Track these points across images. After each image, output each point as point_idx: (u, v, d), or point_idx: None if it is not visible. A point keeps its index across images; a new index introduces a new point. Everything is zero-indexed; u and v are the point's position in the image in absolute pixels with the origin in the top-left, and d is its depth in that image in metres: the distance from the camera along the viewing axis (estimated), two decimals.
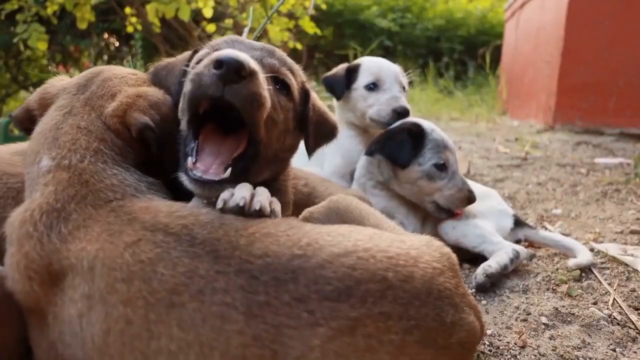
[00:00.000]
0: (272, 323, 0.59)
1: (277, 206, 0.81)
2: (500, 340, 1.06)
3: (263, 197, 0.78)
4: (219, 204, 0.76)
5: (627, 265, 1.45)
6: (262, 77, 0.80)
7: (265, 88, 0.81)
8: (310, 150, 1.05)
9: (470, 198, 1.46)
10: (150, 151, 0.89)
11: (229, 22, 4.86)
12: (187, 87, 0.80)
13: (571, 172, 2.71)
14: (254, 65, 0.78)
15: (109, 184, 0.78)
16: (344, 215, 0.91)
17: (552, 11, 4.13)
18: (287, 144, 0.98)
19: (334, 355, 0.59)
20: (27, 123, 0.95)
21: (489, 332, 1.09)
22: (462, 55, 7.90)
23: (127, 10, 4.60)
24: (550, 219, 1.94)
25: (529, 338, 1.07)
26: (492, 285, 1.31)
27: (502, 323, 1.15)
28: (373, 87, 1.68)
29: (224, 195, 0.78)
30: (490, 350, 1.03)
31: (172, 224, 0.69)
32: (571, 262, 1.41)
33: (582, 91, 3.79)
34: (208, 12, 3.88)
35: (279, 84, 0.91)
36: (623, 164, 2.87)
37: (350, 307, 0.61)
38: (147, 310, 0.61)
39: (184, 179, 0.82)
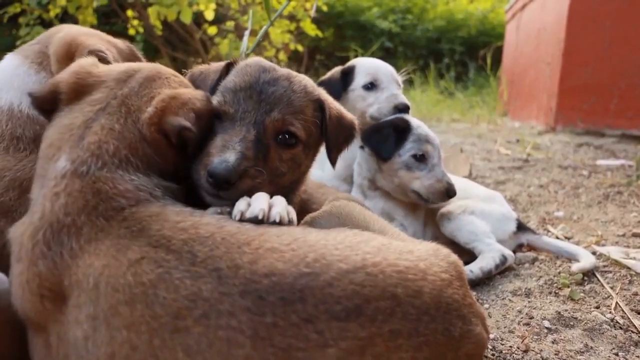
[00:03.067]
0: (280, 346, 0.58)
1: (294, 215, 0.81)
2: (503, 345, 1.07)
3: (281, 207, 0.79)
4: (236, 216, 0.76)
5: (629, 268, 1.45)
6: (252, 171, 0.87)
7: (259, 179, 0.88)
8: (333, 159, 1.09)
9: (449, 190, 1.47)
10: (184, 154, 0.86)
11: (230, 24, 4.87)
12: (193, 175, 0.88)
13: (573, 174, 2.71)
14: (243, 167, 0.85)
15: (122, 189, 0.74)
16: (347, 221, 0.91)
17: (553, 12, 4.13)
18: (302, 169, 1.05)
19: None
20: (48, 105, 0.84)
21: (491, 336, 1.10)
22: (463, 57, 7.90)
23: (129, 13, 4.62)
24: (552, 222, 1.95)
25: (531, 342, 1.07)
26: (472, 287, 1.34)
27: (504, 327, 1.15)
28: (371, 86, 1.70)
29: (241, 206, 0.78)
30: (493, 355, 1.03)
31: (174, 239, 0.67)
32: (574, 267, 1.42)
33: (583, 92, 3.79)
34: (209, 15, 3.90)
35: (286, 134, 0.95)
36: (625, 166, 2.87)
37: (359, 327, 0.60)
38: (151, 336, 0.59)
39: (203, 194, 0.87)
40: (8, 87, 0.95)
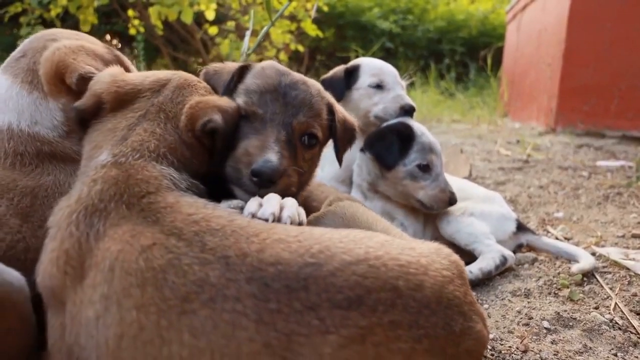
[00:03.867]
0: (283, 331, 0.60)
1: (304, 217, 0.84)
2: (502, 345, 1.07)
3: (292, 209, 0.82)
4: (247, 216, 0.79)
5: (628, 269, 1.45)
6: (290, 171, 0.93)
7: (293, 177, 0.94)
8: (340, 159, 1.17)
9: (451, 199, 1.51)
10: (214, 156, 0.93)
11: (231, 24, 4.87)
12: (229, 173, 0.93)
13: (573, 175, 2.71)
14: (284, 167, 0.91)
15: (148, 175, 0.79)
16: (351, 221, 0.92)
17: (553, 13, 4.14)
18: (314, 168, 1.12)
19: None
20: (91, 115, 0.91)
21: (491, 336, 1.10)
22: (464, 57, 7.91)
23: (130, 12, 4.62)
24: (552, 223, 1.95)
25: (530, 342, 1.08)
26: (472, 288, 1.35)
27: (504, 327, 1.15)
28: (376, 86, 1.71)
29: (252, 207, 0.82)
30: (492, 355, 1.03)
31: (185, 230, 0.70)
32: (574, 268, 1.42)
33: (583, 93, 3.79)
34: (210, 15, 3.91)
35: (309, 135, 1.02)
36: (625, 167, 2.87)
37: (360, 316, 0.61)
38: (159, 317, 0.62)
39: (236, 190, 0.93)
40: (3, 108, 1.00)
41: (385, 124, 1.63)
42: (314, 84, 1.08)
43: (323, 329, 0.60)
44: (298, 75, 1.06)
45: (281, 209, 0.82)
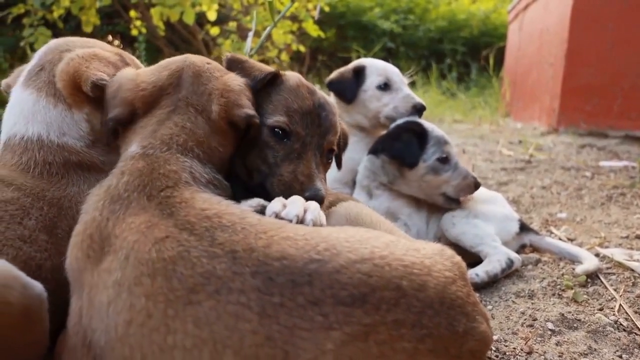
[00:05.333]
0: (286, 324, 0.60)
1: (324, 221, 0.87)
2: (506, 346, 1.07)
3: (315, 213, 0.85)
4: (270, 215, 0.82)
5: (633, 270, 1.45)
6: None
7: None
8: (339, 163, 1.25)
9: (476, 184, 1.54)
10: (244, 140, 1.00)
11: (232, 25, 4.88)
12: (273, 186, 1.00)
13: (576, 176, 2.71)
14: (326, 190, 1.01)
15: (169, 169, 0.82)
16: (355, 222, 0.92)
17: (556, 13, 4.13)
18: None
19: None
20: (127, 121, 0.94)
21: (495, 337, 1.10)
22: (465, 57, 7.90)
23: (132, 13, 4.63)
24: (555, 223, 1.94)
25: (535, 344, 1.07)
26: (477, 290, 1.34)
27: (508, 328, 1.15)
28: (384, 87, 1.70)
29: (276, 207, 0.84)
30: (496, 356, 1.03)
31: (197, 225, 0.72)
32: (578, 269, 1.42)
33: (586, 93, 3.78)
34: (212, 15, 3.91)
35: (330, 151, 1.11)
36: (628, 167, 2.87)
37: (364, 313, 0.61)
38: (166, 306, 0.64)
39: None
40: (33, 120, 1.03)
41: (394, 125, 1.63)
42: (331, 101, 1.14)
43: (326, 325, 0.60)
44: (319, 92, 1.13)
45: (304, 211, 0.86)
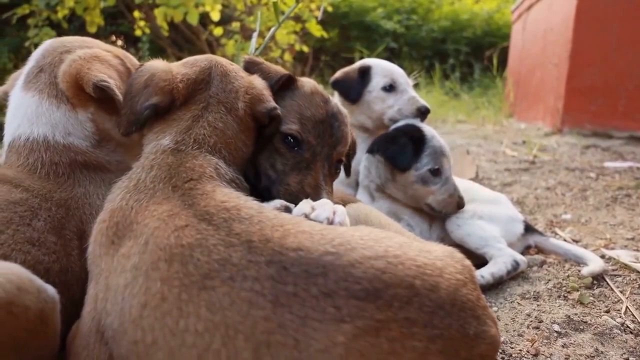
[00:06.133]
0: (298, 314, 0.61)
1: (348, 223, 0.88)
2: (512, 348, 1.06)
3: (342, 216, 0.87)
4: (299, 216, 0.84)
5: (639, 272, 1.44)
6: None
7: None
8: (348, 170, 1.25)
9: (459, 204, 1.52)
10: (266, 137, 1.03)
11: (236, 25, 4.88)
12: (280, 192, 1.01)
13: (580, 177, 2.70)
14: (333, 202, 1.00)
15: (196, 164, 0.86)
16: (364, 224, 0.93)
17: (560, 13, 4.11)
18: None
19: (357, 355, 0.59)
20: (164, 110, 0.94)
21: (500, 339, 1.10)
22: (468, 57, 7.88)
23: (136, 14, 4.64)
24: (560, 225, 1.94)
25: (541, 346, 1.07)
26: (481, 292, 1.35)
27: (513, 330, 1.15)
28: (389, 88, 1.69)
29: (305, 209, 0.87)
30: (502, 358, 1.03)
31: (216, 216, 0.74)
32: (584, 271, 1.41)
33: (590, 94, 3.77)
34: (215, 16, 3.91)
35: (339, 161, 1.12)
36: (633, 168, 2.85)
37: (376, 309, 0.61)
38: (181, 290, 0.65)
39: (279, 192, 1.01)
40: (37, 122, 1.04)
41: (394, 127, 1.62)
42: (344, 110, 1.14)
43: (338, 317, 0.60)
44: (333, 101, 1.12)
45: (333, 213, 0.88)
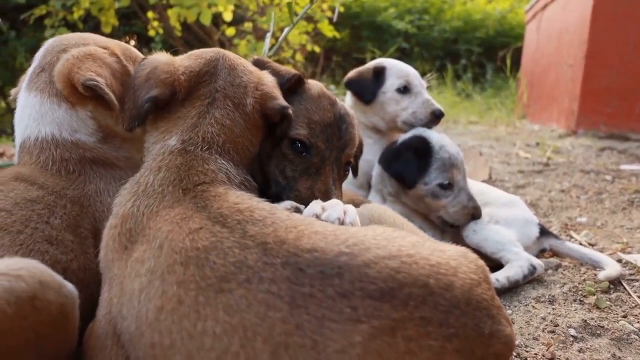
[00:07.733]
0: (315, 315, 0.61)
1: (359, 224, 0.89)
2: (527, 352, 1.05)
3: (353, 217, 0.86)
4: (310, 217, 0.84)
5: None
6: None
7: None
8: (355, 171, 1.24)
9: (474, 214, 1.48)
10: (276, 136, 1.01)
11: (248, 25, 4.91)
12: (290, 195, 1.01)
13: (595, 179, 2.65)
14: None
15: (207, 168, 0.85)
16: (378, 224, 0.92)
17: (575, 13, 4.05)
18: None
19: (375, 354, 0.59)
20: (165, 103, 0.91)
21: (515, 342, 1.08)
22: (481, 58, 7.81)
23: (150, 14, 4.70)
24: (575, 228, 1.91)
25: (557, 350, 1.06)
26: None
27: (528, 334, 1.13)
28: (404, 90, 1.66)
29: (316, 209, 0.86)
30: None
31: (230, 218, 0.74)
32: (601, 275, 1.39)
33: (606, 95, 3.70)
34: (228, 16, 3.94)
35: (348, 163, 1.12)
36: None
37: (392, 308, 0.61)
38: (198, 293, 0.65)
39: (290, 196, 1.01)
40: (43, 121, 1.05)
41: (401, 140, 1.57)
42: (351, 111, 1.13)
43: (355, 317, 0.60)
44: (340, 103, 1.12)
45: (344, 213, 0.88)
